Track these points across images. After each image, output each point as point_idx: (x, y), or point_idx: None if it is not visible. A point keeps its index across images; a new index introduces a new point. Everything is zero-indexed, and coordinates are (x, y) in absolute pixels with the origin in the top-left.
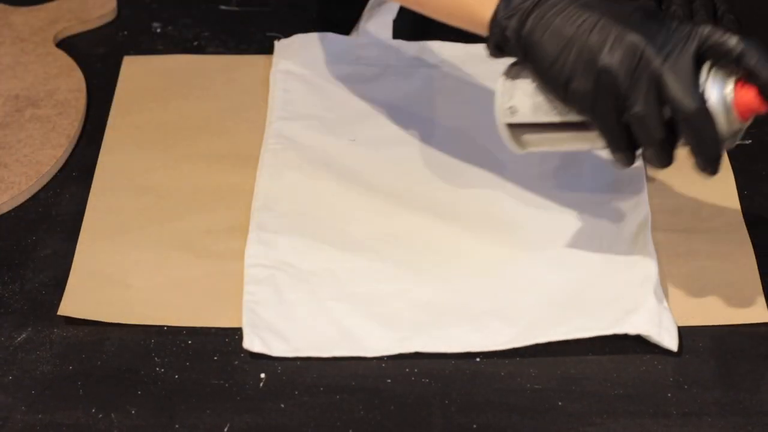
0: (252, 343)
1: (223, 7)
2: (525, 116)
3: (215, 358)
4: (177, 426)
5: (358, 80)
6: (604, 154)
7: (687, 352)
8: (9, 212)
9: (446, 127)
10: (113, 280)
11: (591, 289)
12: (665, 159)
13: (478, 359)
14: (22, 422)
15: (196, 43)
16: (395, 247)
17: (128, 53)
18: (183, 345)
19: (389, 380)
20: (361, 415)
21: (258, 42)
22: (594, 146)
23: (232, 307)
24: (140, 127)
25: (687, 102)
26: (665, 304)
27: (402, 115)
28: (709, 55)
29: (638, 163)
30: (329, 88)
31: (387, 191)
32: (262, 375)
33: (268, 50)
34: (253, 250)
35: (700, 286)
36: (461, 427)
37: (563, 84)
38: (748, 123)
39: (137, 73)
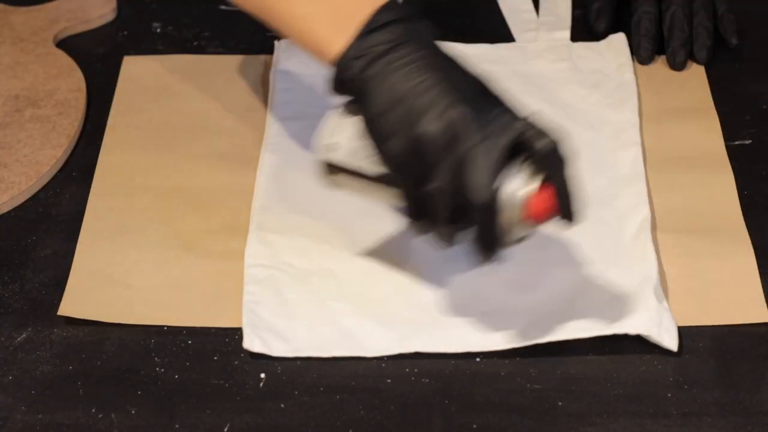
0: (252, 343)
1: (223, 7)
2: (342, 157)
3: (215, 358)
4: (177, 426)
5: None
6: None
7: (687, 352)
8: (9, 212)
9: None
10: (113, 280)
11: (591, 289)
12: (446, 239)
13: (478, 359)
14: (22, 422)
15: (196, 43)
16: (395, 247)
17: (128, 53)
18: (183, 345)
19: (389, 380)
20: (361, 415)
21: (258, 42)
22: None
23: (232, 307)
24: (140, 127)
25: (478, 193)
26: (665, 304)
27: None
28: (522, 150)
29: (638, 163)
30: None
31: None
32: (262, 375)
33: (268, 50)
34: (253, 250)
35: (700, 286)
36: (461, 427)
37: (383, 139)
38: (543, 223)
39: (137, 73)
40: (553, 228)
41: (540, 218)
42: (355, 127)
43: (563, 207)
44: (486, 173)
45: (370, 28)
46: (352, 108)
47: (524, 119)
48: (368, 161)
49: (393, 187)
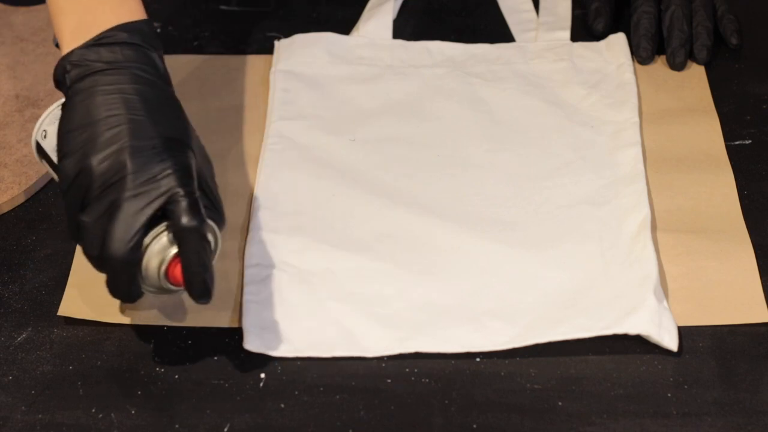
0: (252, 343)
1: (223, 7)
2: (47, 147)
3: (215, 358)
4: (177, 426)
5: (358, 80)
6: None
7: (687, 352)
8: (9, 212)
9: (446, 127)
10: None
11: (591, 289)
12: (98, 269)
13: (478, 359)
14: (22, 422)
15: (196, 43)
16: (395, 247)
17: None
18: (183, 345)
19: (389, 380)
20: (361, 415)
21: (258, 42)
22: None
23: (232, 307)
24: None
25: (115, 245)
26: (665, 304)
27: (402, 115)
28: (169, 217)
29: (638, 163)
30: (329, 88)
31: (387, 191)
32: (262, 375)
33: (268, 50)
34: (253, 250)
35: (700, 286)
36: (461, 427)
37: (62, 154)
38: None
39: None
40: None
41: (178, 283)
42: None
43: (189, 284)
44: (129, 228)
45: (99, 42)
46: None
47: (187, 189)
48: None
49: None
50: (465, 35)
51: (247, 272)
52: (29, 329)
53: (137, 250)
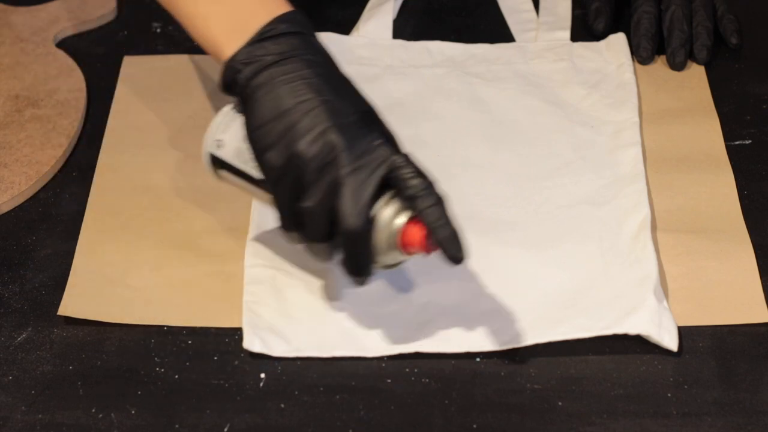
0: (252, 343)
1: None
2: (227, 155)
3: (215, 358)
4: (177, 426)
5: (358, 80)
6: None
7: (687, 352)
8: (9, 212)
9: (446, 127)
10: (113, 280)
11: (591, 289)
12: (322, 256)
13: (478, 359)
14: (22, 422)
15: (196, 43)
16: None
17: (128, 53)
18: (183, 345)
19: (389, 380)
20: (361, 415)
21: None
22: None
23: (232, 307)
24: (140, 127)
25: (350, 220)
26: (665, 304)
27: (402, 115)
28: (393, 185)
29: (638, 163)
30: None
31: None
32: (262, 375)
33: None
34: (253, 250)
35: (700, 286)
36: (461, 427)
37: (262, 149)
38: (412, 255)
39: (137, 73)
40: (434, 261)
41: (410, 249)
42: (239, 129)
43: (443, 245)
44: (361, 201)
45: (263, 37)
46: (240, 108)
47: (401, 155)
48: (251, 165)
49: (271, 194)
50: (465, 35)
51: (247, 272)
52: (29, 329)
53: (370, 222)
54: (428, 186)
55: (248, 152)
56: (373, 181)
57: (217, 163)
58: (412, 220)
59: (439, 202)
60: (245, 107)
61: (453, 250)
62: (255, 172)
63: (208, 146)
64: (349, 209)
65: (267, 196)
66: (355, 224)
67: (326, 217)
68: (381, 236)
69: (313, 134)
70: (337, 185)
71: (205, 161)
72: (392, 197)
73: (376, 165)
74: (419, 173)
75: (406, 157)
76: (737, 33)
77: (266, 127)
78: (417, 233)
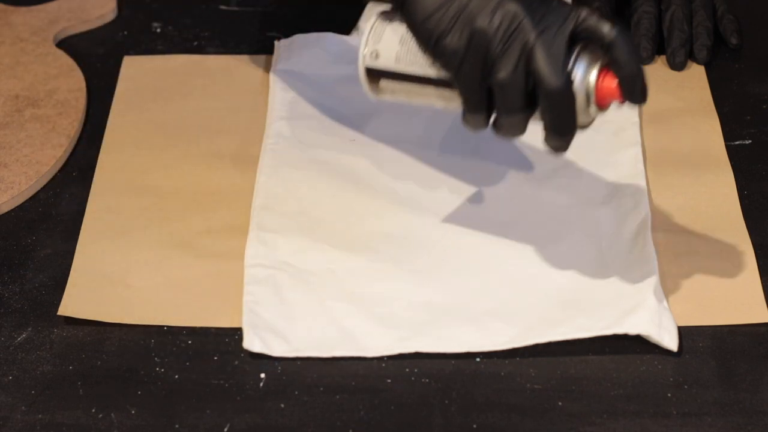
0: (252, 343)
1: (223, 7)
2: (387, 63)
3: (215, 358)
4: (177, 426)
5: (358, 80)
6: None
7: (687, 352)
8: (9, 212)
9: (446, 127)
10: (113, 280)
11: (591, 289)
12: (518, 128)
13: (478, 359)
14: (22, 422)
15: (196, 43)
16: (395, 247)
17: (128, 53)
18: (183, 345)
19: (389, 380)
20: (361, 415)
21: (258, 42)
22: (448, 106)
23: (232, 307)
24: (140, 127)
25: (553, 79)
26: (665, 304)
27: (402, 115)
28: (581, 38)
29: (638, 163)
30: (329, 88)
31: (387, 191)
32: (262, 375)
33: (268, 50)
34: (253, 250)
35: (700, 286)
36: (461, 427)
37: (435, 38)
38: (605, 110)
39: (137, 73)
40: (615, 111)
41: (605, 102)
42: (396, 33)
43: (633, 89)
44: (557, 60)
45: None
46: (390, 15)
47: (582, 8)
48: (416, 65)
49: (443, 88)
50: None
51: (247, 272)
52: (29, 329)
53: (569, 79)
54: (621, 30)
55: (411, 53)
56: (563, 36)
57: (375, 76)
58: (601, 71)
59: (629, 45)
60: (403, 6)
61: (639, 96)
62: (422, 70)
63: (366, 60)
64: (548, 70)
65: (441, 94)
66: (557, 83)
67: (523, 85)
68: (579, 94)
69: (489, 8)
70: (527, 50)
71: (362, 78)
72: (579, 51)
73: (560, 22)
74: (605, 22)
75: (587, 8)
76: (737, 33)
77: (436, 15)
78: (612, 82)
